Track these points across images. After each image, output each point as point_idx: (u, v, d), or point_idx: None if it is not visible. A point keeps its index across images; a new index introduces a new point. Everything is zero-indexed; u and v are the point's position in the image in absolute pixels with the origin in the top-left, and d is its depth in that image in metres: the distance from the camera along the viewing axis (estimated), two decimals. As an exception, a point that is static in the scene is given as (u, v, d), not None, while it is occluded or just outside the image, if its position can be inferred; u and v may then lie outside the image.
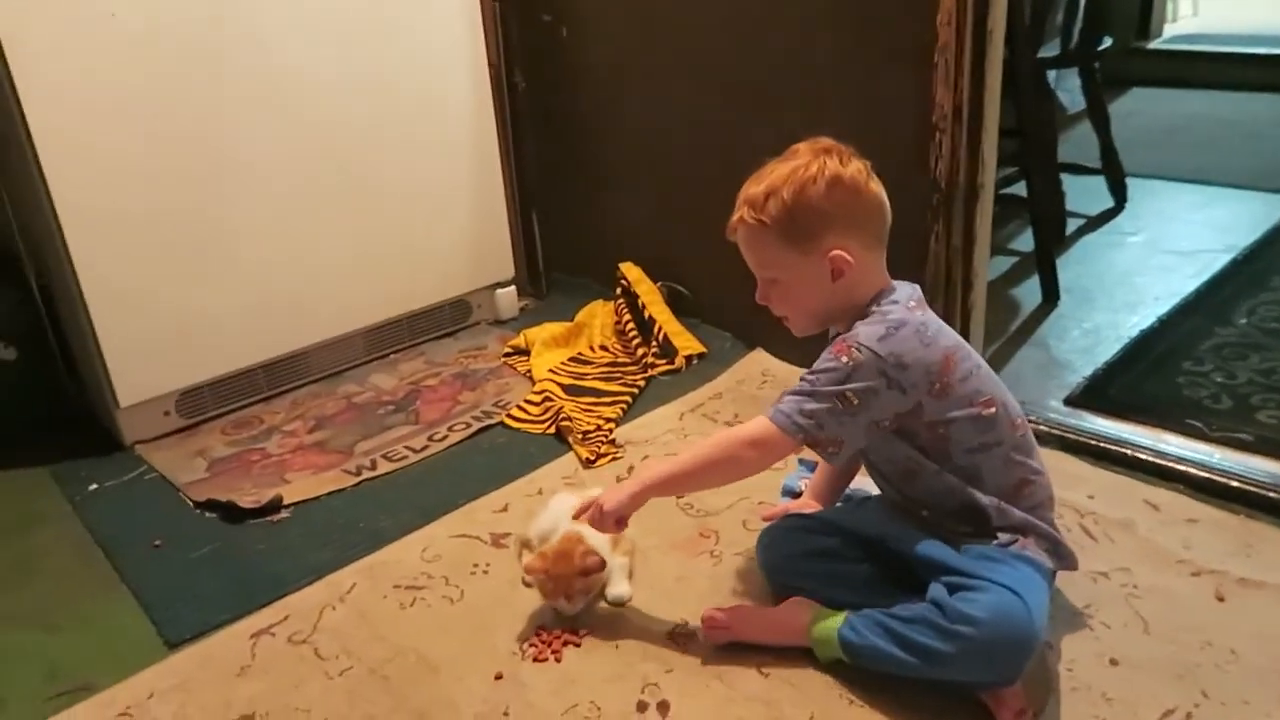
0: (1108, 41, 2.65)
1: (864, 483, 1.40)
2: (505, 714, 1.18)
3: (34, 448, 1.90)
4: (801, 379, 1.16)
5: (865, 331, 1.14)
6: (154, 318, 1.86)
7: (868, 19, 1.71)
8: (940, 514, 1.20)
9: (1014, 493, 1.18)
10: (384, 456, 1.81)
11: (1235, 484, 1.49)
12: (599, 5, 2.20)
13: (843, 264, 1.16)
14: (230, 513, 1.65)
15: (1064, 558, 1.20)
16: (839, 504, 1.44)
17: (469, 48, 2.20)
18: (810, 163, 1.16)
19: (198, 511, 1.67)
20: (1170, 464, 1.56)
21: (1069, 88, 3.10)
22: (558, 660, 1.26)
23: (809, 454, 1.44)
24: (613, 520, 1.24)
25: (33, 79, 1.62)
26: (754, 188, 1.19)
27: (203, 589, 1.47)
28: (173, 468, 1.81)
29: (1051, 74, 2.78)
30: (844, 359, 1.13)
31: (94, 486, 1.77)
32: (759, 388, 1.96)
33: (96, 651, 1.36)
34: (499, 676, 1.24)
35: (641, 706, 1.18)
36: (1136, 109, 3.79)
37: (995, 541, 1.16)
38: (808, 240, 1.16)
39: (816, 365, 1.16)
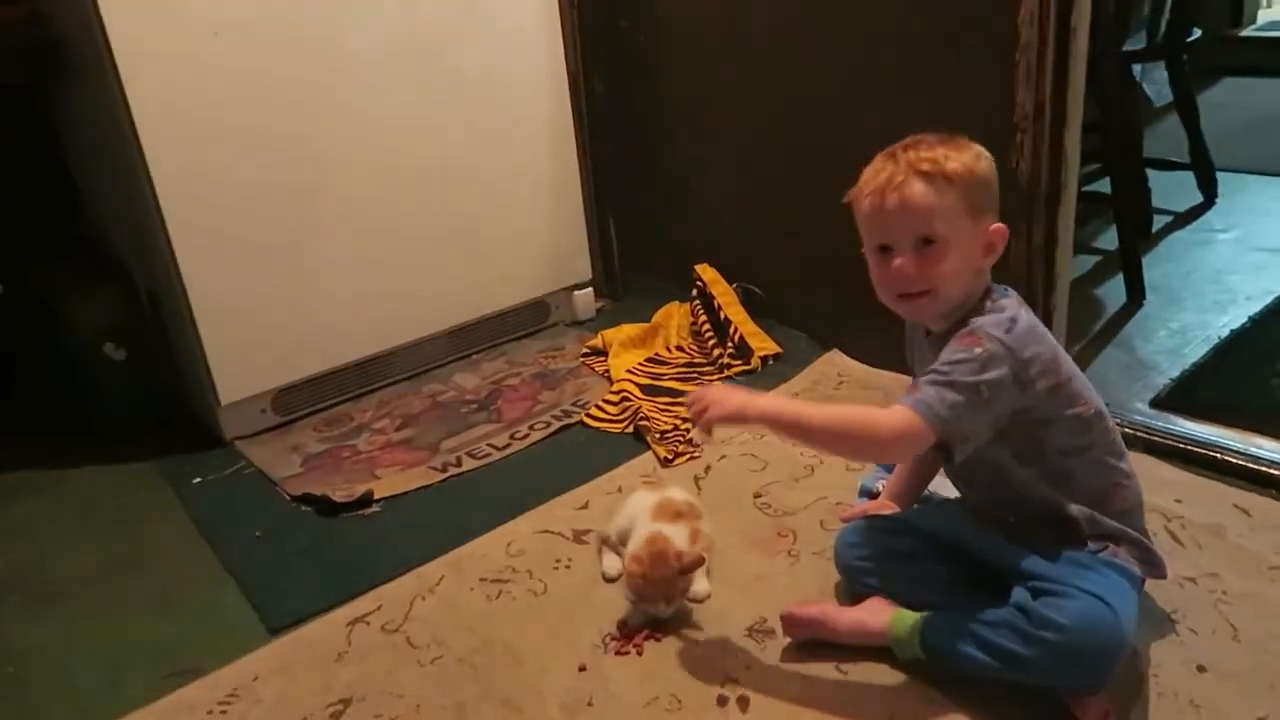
0: (1197, 33, 2.56)
1: (941, 484, 1.40)
2: (589, 704, 1.22)
3: (142, 443, 2.00)
4: (933, 370, 1.10)
5: (989, 322, 1.11)
6: (253, 321, 1.95)
7: (948, 20, 1.70)
8: (1026, 519, 1.19)
9: (1105, 497, 1.17)
10: (468, 454, 1.87)
11: (1331, 489, 1.46)
12: (675, 10, 2.23)
13: (1000, 239, 1.14)
14: (324, 506, 1.72)
15: (1154, 565, 1.19)
16: (916, 505, 1.44)
17: (549, 55, 2.25)
18: (963, 143, 1.13)
19: (294, 505, 1.76)
20: (1262, 468, 1.52)
21: (1156, 80, 3.00)
22: (639, 654, 1.29)
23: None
24: (718, 415, 1.14)
25: (144, 95, 1.72)
26: (911, 154, 1.12)
27: (301, 578, 1.54)
28: (270, 463, 1.90)
29: (1137, 66, 2.71)
30: (977, 349, 1.09)
31: (198, 480, 1.87)
32: (835, 389, 1.97)
33: (204, 636, 1.44)
34: (583, 668, 1.28)
35: (722, 701, 1.20)
36: (1228, 100, 3.65)
37: (1086, 549, 1.14)
38: (979, 209, 1.13)
39: (946, 357, 1.10)
